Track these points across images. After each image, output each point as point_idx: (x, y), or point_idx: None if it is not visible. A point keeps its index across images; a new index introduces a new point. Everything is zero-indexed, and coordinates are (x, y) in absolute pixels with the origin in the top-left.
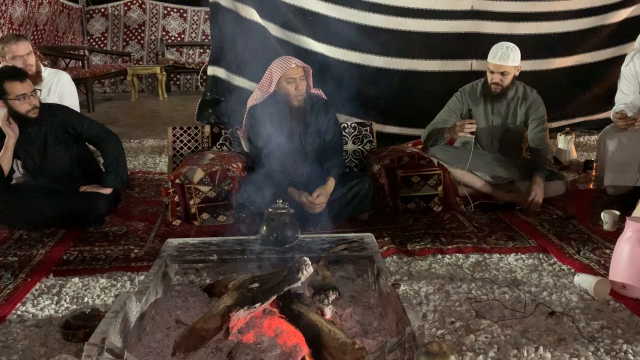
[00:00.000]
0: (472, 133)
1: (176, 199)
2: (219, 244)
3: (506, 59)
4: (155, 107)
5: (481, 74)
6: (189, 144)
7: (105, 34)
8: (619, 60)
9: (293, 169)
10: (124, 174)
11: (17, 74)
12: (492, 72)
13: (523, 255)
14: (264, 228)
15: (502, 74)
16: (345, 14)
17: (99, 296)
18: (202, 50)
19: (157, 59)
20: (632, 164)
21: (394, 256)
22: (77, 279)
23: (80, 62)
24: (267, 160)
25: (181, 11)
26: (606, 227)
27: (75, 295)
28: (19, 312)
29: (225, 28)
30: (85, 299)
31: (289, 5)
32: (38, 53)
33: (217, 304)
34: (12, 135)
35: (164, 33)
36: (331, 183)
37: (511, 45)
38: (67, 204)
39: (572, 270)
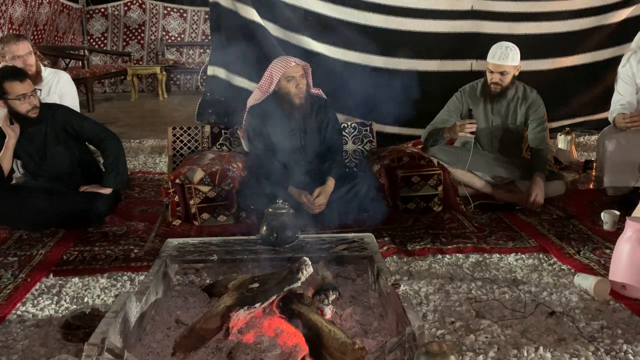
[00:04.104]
0: (472, 133)
1: (176, 199)
2: (219, 244)
3: (505, 59)
4: (155, 107)
5: (481, 74)
6: (189, 144)
7: (105, 34)
8: (619, 60)
9: (293, 168)
10: (124, 174)
11: (17, 74)
12: (491, 72)
13: (523, 255)
14: (264, 228)
15: (502, 73)
16: (345, 14)
17: (99, 296)
18: (202, 50)
19: (157, 59)
20: (632, 165)
21: (394, 256)
22: (77, 279)
23: (80, 62)
24: (267, 159)
25: (181, 11)
26: (606, 227)
27: (75, 295)
28: (19, 312)
29: (225, 28)
30: (85, 299)
31: (289, 5)
32: (38, 53)
33: (217, 304)
34: (12, 136)
35: (164, 33)
36: (331, 183)
37: (510, 44)
38: (67, 204)
39: (572, 270)
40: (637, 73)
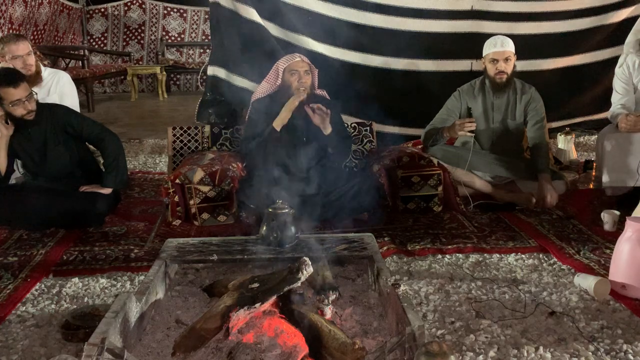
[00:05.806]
0: (471, 131)
1: (176, 199)
2: (219, 244)
3: (507, 44)
4: (155, 107)
5: (481, 74)
6: (189, 144)
7: (105, 34)
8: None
9: (294, 164)
10: (124, 174)
11: (11, 80)
12: (496, 61)
13: (523, 255)
14: (264, 228)
15: (506, 60)
16: (345, 14)
17: (99, 296)
18: (202, 50)
19: (157, 59)
20: (631, 165)
21: (394, 256)
22: (77, 279)
23: (80, 62)
24: (268, 155)
25: (181, 11)
26: (606, 227)
27: (75, 295)
28: (19, 312)
29: (225, 28)
30: (85, 299)
31: (289, 5)
32: (38, 53)
33: (217, 304)
34: (4, 134)
35: (164, 33)
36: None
37: (501, 36)
38: (67, 204)
39: (572, 270)
40: (634, 73)
